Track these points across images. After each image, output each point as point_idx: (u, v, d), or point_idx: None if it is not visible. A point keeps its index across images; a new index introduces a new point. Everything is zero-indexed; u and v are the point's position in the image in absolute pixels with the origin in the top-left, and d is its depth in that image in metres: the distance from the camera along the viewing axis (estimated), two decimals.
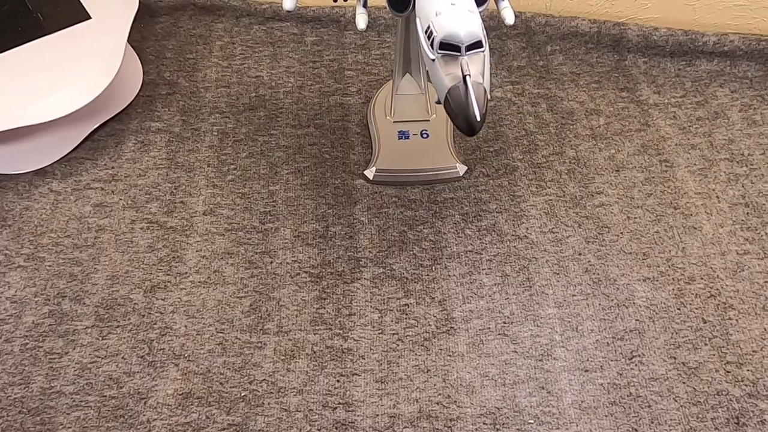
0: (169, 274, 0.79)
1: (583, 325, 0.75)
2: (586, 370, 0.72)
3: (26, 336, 0.74)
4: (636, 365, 0.72)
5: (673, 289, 0.78)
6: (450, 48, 0.60)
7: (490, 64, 0.66)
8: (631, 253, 0.81)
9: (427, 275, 0.79)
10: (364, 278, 0.79)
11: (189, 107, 0.96)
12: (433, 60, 0.62)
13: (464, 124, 0.60)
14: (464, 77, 0.59)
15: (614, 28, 1.03)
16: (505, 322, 0.75)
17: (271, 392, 0.70)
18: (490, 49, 1.02)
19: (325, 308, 0.76)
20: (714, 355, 0.73)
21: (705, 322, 0.75)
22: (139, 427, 0.68)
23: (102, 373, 0.71)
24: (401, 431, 0.68)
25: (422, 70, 0.88)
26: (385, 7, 0.72)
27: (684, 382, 0.71)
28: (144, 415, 0.69)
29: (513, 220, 0.84)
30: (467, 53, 0.60)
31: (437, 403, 0.70)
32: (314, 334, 0.74)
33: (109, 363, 0.72)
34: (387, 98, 0.92)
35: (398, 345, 0.74)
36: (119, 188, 0.87)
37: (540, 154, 0.91)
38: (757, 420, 0.68)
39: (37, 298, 0.77)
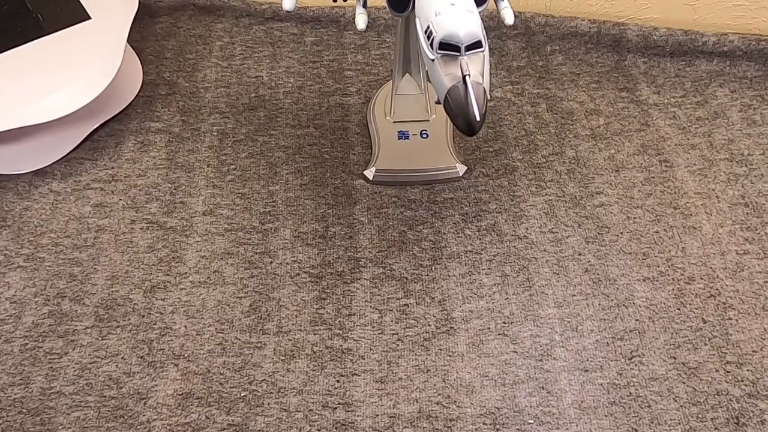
0: (168, 275, 0.79)
1: (583, 325, 0.75)
2: (586, 370, 0.72)
3: (26, 336, 0.74)
4: (636, 365, 0.72)
5: (673, 289, 0.78)
6: (449, 48, 0.60)
7: (490, 64, 0.66)
8: (630, 253, 0.81)
9: (427, 275, 0.79)
10: (364, 278, 0.79)
11: (189, 107, 0.96)
12: (433, 60, 0.62)
13: (464, 124, 0.60)
14: (464, 77, 0.59)
15: (614, 28, 1.03)
16: (505, 322, 0.75)
17: (271, 392, 0.70)
18: (490, 49, 1.02)
19: (324, 308, 0.76)
20: (714, 355, 0.73)
21: (705, 322, 0.75)
22: (138, 427, 0.68)
23: (102, 374, 0.71)
24: (401, 431, 0.68)
25: (422, 70, 0.88)
26: (385, 7, 0.72)
27: (684, 382, 0.71)
28: (144, 416, 0.69)
29: (513, 220, 0.84)
30: (467, 53, 0.60)
31: (437, 403, 0.70)
32: (314, 334, 0.74)
33: (108, 363, 0.72)
34: (387, 98, 0.92)
35: (398, 345, 0.74)
36: (119, 188, 0.87)
37: (540, 154, 0.91)
38: (757, 420, 0.68)
39: (37, 299, 0.77)
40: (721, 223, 0.84)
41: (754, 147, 0.92)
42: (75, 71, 0.85)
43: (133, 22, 0.92)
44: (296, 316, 0.76)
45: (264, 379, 0.71)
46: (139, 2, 0.97)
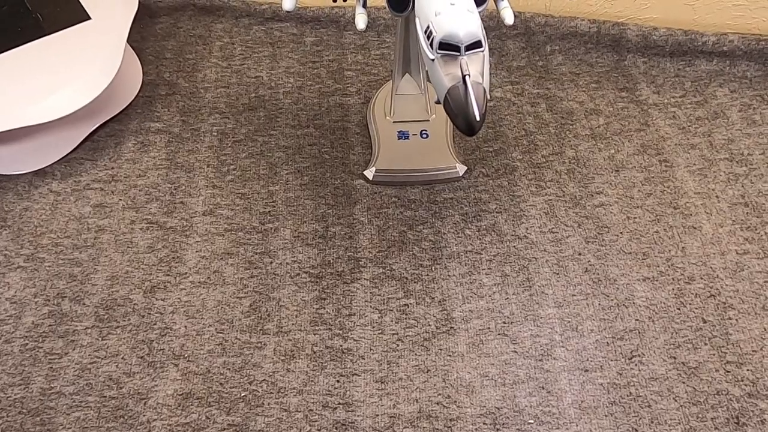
0: (168, 275, 0.79)
1: (583, 325, 0.75)
2: (586, 370, 0.72)
3: (26, 336, 0.74)
4: (636, 365, 0.72)
5: (672, 289, 0.78)
6: (449, 48, 0.60)
7: (490, 64, 0.66)
8: (630, 253, 0.81)
9: (427, 275, 0.79)
10: (364, 278, 0.79)
11: (188, 108, 0.96)
12: (433, 60, 0.62)
13: (464, 124, 0.60)
14: (464, 77, 0.59)
15: (614, 28, 1.03)
16: (505, 322, 0.75)
17: (271, 392, 0.70)
18: (490, 49, 1.02)
19: (325, 308, 0.76)
20: (714, 354, 0.73)
21: (705, 322, 0.75)
22: (139, 427, 0.68)
23: (102, 374, 0.71)
24: (401, 431, 0.68)
25: (422, 70, 0.88)
26: (385, 7, 0.72)
27: (684, 382, 0.71)
28: (144, 416, 0.69)
29: (513, 220, 0.84)
30: (467, 53, 0.60)
31: (437, 403, 0.70)
32: (314, 334, 0.74)
33: (108, 363, 0.72)
34: (387, 98, 0.92)
35: (398, 345, 0.74)
36: (119, 189, 0.87)
37: (540, 154, 0.91)
38: (757, 420, 0.68)
39: (37, 299, 0.77)
40: (721, 222, 0.84)
41: (754, 147, 0.92)
42: (75, 71, 0.85)
43: (133, 22, 0.92)
44: (296, 316, 0.76)
45: (264, 379, 0.71)
46: (139, 2, 0.97)
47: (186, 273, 0.79)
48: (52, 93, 0.83)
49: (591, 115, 0.96)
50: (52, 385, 0.71)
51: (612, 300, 0.77)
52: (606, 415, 0.69)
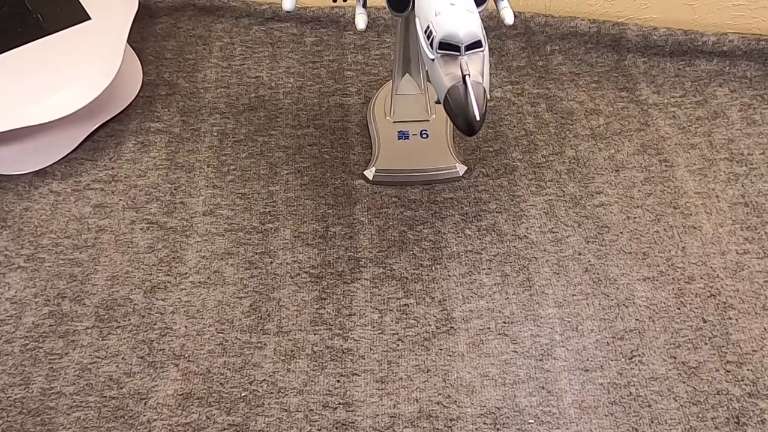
0: (169, 275, 0.79)
1: (583, 325, 0.75)
2: (586, 370, 0.72)
3: (26, 337, 0.74)
4: (636, 365, 0.72)
5: (673, 289, 0.78)
6: (449, 48, 0.60)
7: (490, 64, 0.66)
8: (630, 252, 0.81)
9: (427, 275, 0.79)
10: (364, 278, 0.79)
11: (189, 108, 0.97)
12: (433, 60, 0.62)
13: (464, 124, 0.60)
14: (464, 77, 0.59)
15: (613, 28, 1.03)
16: (505, 322, 0.75)
17: (271, 392, 0.70)
18: (490, 49, 1.02)
19: (325, 308, 0.76)
20: (714, 354, 0.73)
21: (705, 322, 0.75)
22: (139, 427, 0.68)
23: (102, 374, 0.71)
24: (401, 431, 0.68)
25: (422, 70, 0.88)
26: (385, 7, 0.72)
27: (684, 382, 0.71)
28: (144, 416, 0.69)
29: (513, 220, 0.84)
30: (467, 53, 0.60)
31: (437, 403, 0.70)
32: (314, 334, 0.74)
33: (109, 363, 0.72)
34: (387, 98, 0.92)
35: (398, 345, 0.74)
36: (119, 189, 0.87)
37: (540, 154, 0.91)
38: (757, 419, 0.68)
39: (37, 299, 0.77)
40: (721, 222, 0.84)
41: (754, 147, 0.92)
42: (75, 72, 0.85)
43: (133, 23, 0.92)
44: (296, 316, 0.76)
45: (264, 379, 0.71)
46: (139, 2, 0.97)
47: (186, 273, 0.79)
48: (52, 93, 0.83)
49: (591, 115, 0.96)
50: (53, 385, 0.71)
51: (612, 300, 0.77)
52: (606, 415, 0.69)
